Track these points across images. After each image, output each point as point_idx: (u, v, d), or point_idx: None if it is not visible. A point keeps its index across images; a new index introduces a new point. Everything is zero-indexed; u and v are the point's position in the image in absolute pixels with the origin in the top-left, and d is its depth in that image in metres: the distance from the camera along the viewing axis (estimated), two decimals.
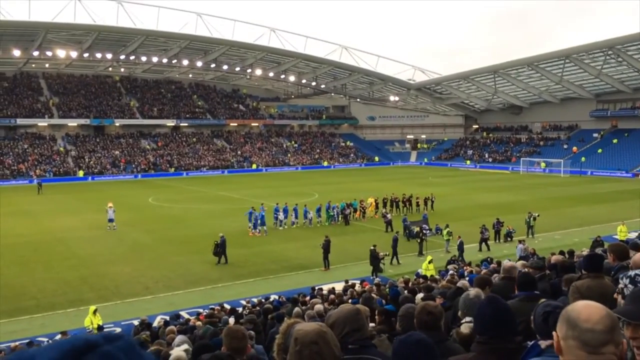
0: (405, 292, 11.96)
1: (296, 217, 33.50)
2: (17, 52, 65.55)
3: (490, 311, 2.97)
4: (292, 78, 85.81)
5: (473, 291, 7.16)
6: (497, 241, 28.87)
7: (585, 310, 1.81)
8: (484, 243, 27.24)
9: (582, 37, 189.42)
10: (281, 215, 32.77)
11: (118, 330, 16.16)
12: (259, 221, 31.11)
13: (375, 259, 22.60)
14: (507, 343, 2.87)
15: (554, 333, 1.86)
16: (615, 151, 71.44)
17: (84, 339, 0.84)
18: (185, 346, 8.54)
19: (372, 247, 23.15)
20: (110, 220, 32.51)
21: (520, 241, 24.49)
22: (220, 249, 24.62)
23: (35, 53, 66.99)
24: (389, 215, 32.81)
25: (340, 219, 34.41)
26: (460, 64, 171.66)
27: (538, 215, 30.26)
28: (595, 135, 77.73)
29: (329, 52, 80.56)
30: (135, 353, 0.87)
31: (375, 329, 6.23)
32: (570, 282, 5.15)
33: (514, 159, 78.44)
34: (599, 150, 73.22)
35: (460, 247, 24.73)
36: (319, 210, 34.42)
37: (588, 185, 54.61)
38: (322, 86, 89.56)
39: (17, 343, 14.22)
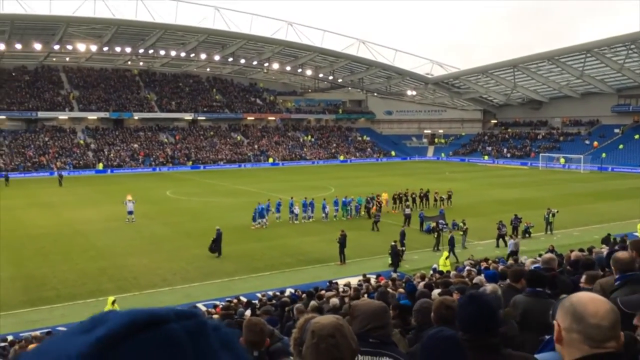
0: (422, 286, 11.95)
1: (312, 212, 33.52)
2: (38, 46, 66.44)
3: (471, 310, 2.98)
4: (309, 72, 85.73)
5: (489, 287, 7.13)
6: (516, 237, 28.56)
7: (592, 304, 1.82)
8: (501, 239, 27.02)
9: (601, 32, 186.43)
10: (296, 209, 32.85)
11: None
12: (257, 214, 31.28)
13: (396, 255, 22.53)
14: (490, 339, 2.88)
15: (555, 322, 1.86)
16: (636, 147, 70.25)
17: (151, 312, 0.77)
18: None
19: (393, 243, 23.12)
20: (130, 213, 32.84)
21: (511, 236, 24.41)
22: (216, 244, 24.70)
23: (56, 47, 67.85)
24: (408, 210, 32.86)
25: (362, 212, 34.66)
26: (478, 59, 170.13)
27: (557, 212, 29.94)
28: (616, 130, 76.53)
29: (346, 46, 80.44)
30: (204, 337, 0.79)
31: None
32: (592, 279, 5.12)
33: (532, 155, 77.59)
34: (620, 146, 72.08)
35: (451, 243, 24.38)
36: (336, 204, 34.47)
37: (608, 182, 53.84)
38: (339, 80, 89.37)
39: (37, 332, 14.48)
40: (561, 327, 1.83)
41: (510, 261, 17.74)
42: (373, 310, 3.12)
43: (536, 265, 9.61)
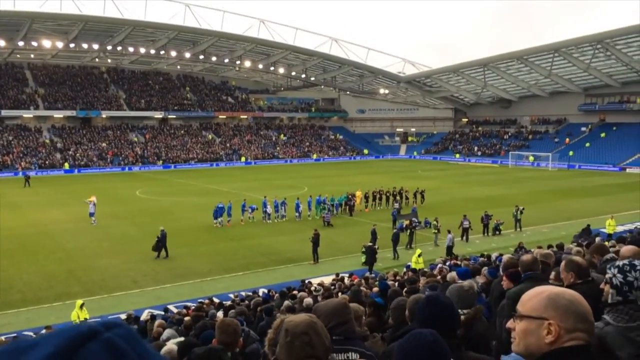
0: (396, 285, 11.93)
1: (285, 211, 33.33)
2: (1, 42, 64.57)
3: (430, 310, 2.99)
4: (281, 70, 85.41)
5: (466, 282, 7.09)
6: (486, 234, 28.97)
7: (582, 300, 1.77)
8: (465, 234, 27.77)
9: (577, 30, 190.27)
10: (269, 209, 32.64)
11: None
12: (216, 213, 31.11)
13: (372, 255, 22.48)
14: (449, 339, 2.87)
15: (550, 322, 1.71)
16: (603, 145, 71.99)
17: (88, 326, 0.83)
18: (177, 339, 8.44)
19: (369, 244, 23.16)
20: (90, 215, 31.93)
21: (448, 231, 25.13)
22: (161, 244, 24.32)
23: (21, 43, 66.04)
24: (397, 205, 34.48)
25: (340, 211, 34.98)
26: (453, 57, 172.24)
27: (524, 209, 30.44)
28: (583, 129, 78.29)
29: (318, 44, 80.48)
30: (136, 340, 0.86)
31: (365, 322, 6.15)
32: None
33: (502, 153, 78.84)
34: (587, 144, 73.76)
35: (373, 234, 25.20)
36: (309, 203, 34.37)
37: (576, 179, 55.00)
38: (312, 79, 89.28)
39: (2, 337, 14.00)
40: (563, 327, 1.71)
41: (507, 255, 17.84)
42: (333, 308, 3.14)
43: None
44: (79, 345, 0.78)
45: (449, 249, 24.05)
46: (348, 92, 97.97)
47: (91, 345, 0.79)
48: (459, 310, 4.52)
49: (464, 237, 27.82)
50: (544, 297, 1.76)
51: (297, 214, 33.27)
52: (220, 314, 12.53)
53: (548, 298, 1.75)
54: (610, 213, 29.08)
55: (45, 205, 39.20)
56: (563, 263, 4.56)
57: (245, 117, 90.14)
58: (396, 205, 34.92)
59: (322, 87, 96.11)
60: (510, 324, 1.85)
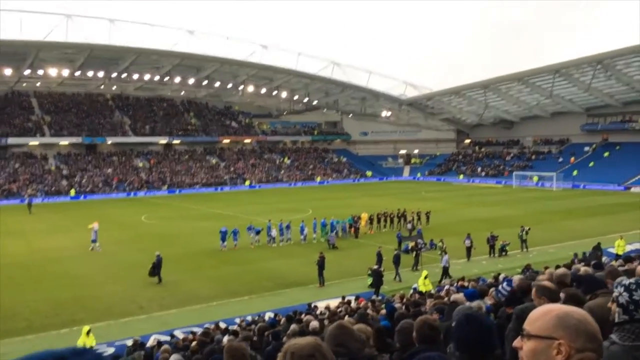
0: (403, 308, 11.89)
1: (289, 234, 33.29)
2: (8, 71, 65.48)
3: (469, 329, 2.96)
4: (284, 94, 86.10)
5: (475, 303, 7.09)
6: (492, 255, 28.85)
7: (591, 319, 1.77)
8: (468, 253, 28.05)
9: (578, 50, 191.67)
10: (274, 232, 32.63)
11: (111, 351, 15.92)
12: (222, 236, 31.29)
13: (379, 277, 22.39)
14: (488, 359, 2.87)
15: (560, 342, 1.70)
16: (607, 164, 71.89)
17: (52, 352, 0.80)
18: None
19: (375, 267, 23.10)
20: (93, 241, 31.89)
21: (444, 252, 25.43)
22: (156, 269, 24.28)
23: (27, 72, 66.95)
24: (409, 225, 35.13)
25: (348, 233, 35.04)
26: (454, 78, 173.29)
27: (529, 229, 30.32)
28: (586, 148, 78.32)
29: (320, 69, 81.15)
30: None
31: (371, 347, 6.16)
32: (574, 298, 5.15)
33: (506, 173, 78.79)
34: (591, 164, 73.69)
35: (379, 257, 24.93)
36: (314, 226, 34.36)
37: (581, 199, 54.85)
38: (315, 102, 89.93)
39: None
40: (573, 347, 1.70)
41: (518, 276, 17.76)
42: (328, 333, 3.18)
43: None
44: None
45: (445, 270, 24.14)
46: (350, 115, 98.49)
47: None
48: None
49: (468, 257, 27.97)
50: (553, 316, 1.74)
51: (302, 237, 33.24)
52: (225, 339, 12.49)
53: (557, 317, 1.74)
54: (617, 232, 28.95)
55: (51, 231, 39.29)
56: (534, 289, 4.59)
57: (249, 141, 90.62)
58: (409, 226, 35.17)
59: (325, 110, 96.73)
60: (517, 343, 1.83)
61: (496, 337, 3.06)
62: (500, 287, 10.86)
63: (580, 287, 5.43)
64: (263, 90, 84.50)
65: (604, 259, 16.28)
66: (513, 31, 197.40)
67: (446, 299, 12.93)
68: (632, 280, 2.58)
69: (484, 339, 2.90)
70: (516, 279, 10.60)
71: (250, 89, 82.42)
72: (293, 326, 11.60)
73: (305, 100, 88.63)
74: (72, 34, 62.33)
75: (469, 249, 28.19)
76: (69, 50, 64.54)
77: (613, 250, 24.47)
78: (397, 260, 24.79)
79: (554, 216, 42.30)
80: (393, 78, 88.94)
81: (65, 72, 68.40)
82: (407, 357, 4.08)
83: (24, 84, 77.86)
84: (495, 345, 3.00)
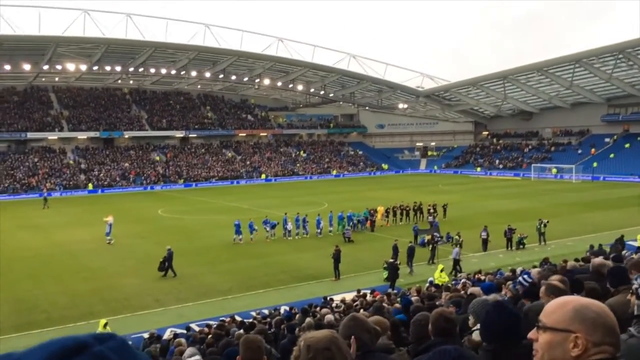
0: (419, 301, 11.78)
1: (306, 228, 33.29)
2: (27, 66, 66.21)
3: (498, 318, 2.93)
4: (300, 87, 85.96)
5: (491, 297, 6.96)
6: (510, 248, 28.57)
7: (610, 312, 1.73)
8: (484, 245, 28.21)
9: (598, 40, 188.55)
10: (289, 226, 32.64)
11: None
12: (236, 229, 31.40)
13: (394, 271, 22.28)
14: (516, 349, 2.80)
15: (577, 335, 1.66)
16: (627, 156, 70.72)
17: (74, 338, 0.78)
18: (197, 357, 8.43)
19: (391, 260, 22.99)
20: (107, 234, 32.15)
21: (454, 244, 25.37)
22: (167, 263, 24.34)
23: (46, 67, 67.64)
24: (431, 218, 34.93)
25: (362, 226, 34.82)
26: (472, 69, 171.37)
27: (548, 222, 29.92)
28: (607, 140, 77.07)
29: (337, 61, 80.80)
30: (128, 353, 0.80)
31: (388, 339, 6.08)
32: (593, 292, 5.00)
33: (524, 165, 77.91)
34: (611, 155, 72.54)
35: (395, 250, 24.76)
36: (331, 219, 34.29)
37: (601, 191, 54.04)
38: (331, 95, 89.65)
39: None
40: (591, 341, 1.65)
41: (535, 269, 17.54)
42: (342, 325, 3.15)
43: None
44: None
45: (456, 262, 24.01)
46: (367, 108, 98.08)
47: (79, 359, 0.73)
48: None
49: (485, 249, 28.11)
50: (570, 308, 1.71)
51: (318, 231, 33.21)
52: (241, 332, 12.49)
53: (574, 310, 1.70)
54: (638, 225, 28.45)
55: (70, 225, 39.77)
56: (543, 287, 4.53)
57: (265, 134, 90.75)
58: (430, 218, 35.04)
59: (341, 103, 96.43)
60: (532, 334, 1.79)
61: (521, 328, 3.00)
62: (519, 278, 10.70)
63: (605, 280, 5.28)
64: (279, 84, 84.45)
65: (624, 252, 15.96)
66: (533, 21, 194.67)
67: (463, 292, 12.79)
68: None
69: (512, 328, 2.88)
70: (534, 272, 10.42)
71: (266, 82, 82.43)
72: (308, 319, 11.55)
73: (322, 93, 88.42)
74: (89, 28, 63.05)
75: (485, 241, 28.18)
76: (87, 45, 65.08)
77: (635, 244, 23.99)
78: (411, 253, 24.65)
79: (573, 209, 41.73)
80: (410, 70, 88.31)
81: (83, 67, 69.01)
82: (422, 349, 4.02)
83: (43, 79, 78.80)
84: (521, 336, 2.94)
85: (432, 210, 37.08)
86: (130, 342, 0.75)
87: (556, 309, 1.75)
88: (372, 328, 3.44)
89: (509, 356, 2.78)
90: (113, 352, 0.78)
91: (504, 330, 2.83)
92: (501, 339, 2.86)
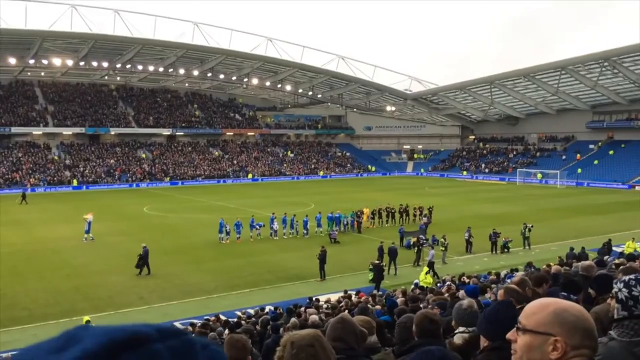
0: (404, 303, 11.81)
1: (292, 228, 33.29)
2: (12, 60, 65.44)
3: (503, 315, 2.95)
4: (288, 87, 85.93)
5: (466, 301, 6.99)
6: (494, 252, 28.76)
7: (587, 315, 1.74)
8: (468, 246, 28.72)
9: (587, 46, 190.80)
10: (275, 225, 32.59)
11: None
12: (227, 228, 31.46)
13: (380, 272, 22.32)
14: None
15: (557, 338, 1.66)
16: (611, 162, 71.64)
17: (133, 330, 0.69)
18: None
19: (377, 261, 23.07)
20: (86, 232, 31.78)
21: (431, 247, 25.59)
22: (142, 261, 24.23)
23: (31, 61, 66.90)
24: (425, 220, 34.90)
25: (349, 228, 34.94)
26: (460, 73, 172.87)
27: (532, 226, 30.19)
28: (591, 146, 78.00)
29: (325, 62, 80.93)
30: (189, 358, 0.70)
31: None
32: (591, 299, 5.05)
33: (510, 170, 78.57)
34: (595, 162, 73.42)
35: (380, 251, 25.00)
36: (318, 220, 34.29)
37: (585, 197, 54.65)
38: (319, 96, 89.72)
39: (8, 354, 13.94)
40: (569, 345, 1.66)
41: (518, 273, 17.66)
42: (329, 327, 3.21)
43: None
44: (106, 357, 0.66)
45: (431, 265, 23.95)
46: (355, 109, 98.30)
47: (123, 358, 0.66)
48: (462, 329, 4.48)
49: (469, 250, 28.56)
50: (550, 311, 1.71)
51: (304, 231, 33.20)
52: (226, 332, 12.44)
53: (554, 313, 1.70)
54: (621, 231, 28.86)
55: (53, 221, 39.34)
56: (501, 291, 4.59)
57: (253, 134, 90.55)
58: (424, 219, 35.16)
59: (329, 104, 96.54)
60: (511, 335, 1.80)
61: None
62: (505, 281, 10.77)
63: (592, 287, 5.31)
64: (267, 83, 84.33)
65: (606, 257, 16.13)
66: (520, 26, 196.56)
67: (447, 294, 12.86)
68: (631, 276, 2.56)
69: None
70: (518, 275, 10.50)
71: (255, 81, 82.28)
72: (293, 319, 11.54)
73: (310, 93, 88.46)
74: (77, 24, 62.47)
75: (468, 242, 28.61)
76: (74, 40, 64.43)
77: (619, 250, 24.25)
78: (392, 254, 24.74)
79: (557, 214, 42.14)
80: (398, 73, 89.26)
81: (70, 62, 68.29)
82: (406, 349, 4.03)
83: (29, 74, 77.87)
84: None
85: (426, 213, 37.34)
86: (204, 342, 0.76)
87: (536, 311, 1.75)
88: (360, 330, 3.45)
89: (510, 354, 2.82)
90: (173, 354, 0.68)
91: (509, 327, 2.88)
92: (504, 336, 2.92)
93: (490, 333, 3.04)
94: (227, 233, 31.43)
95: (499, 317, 3.04)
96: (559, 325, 1.68)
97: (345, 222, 34.87)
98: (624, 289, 2.48)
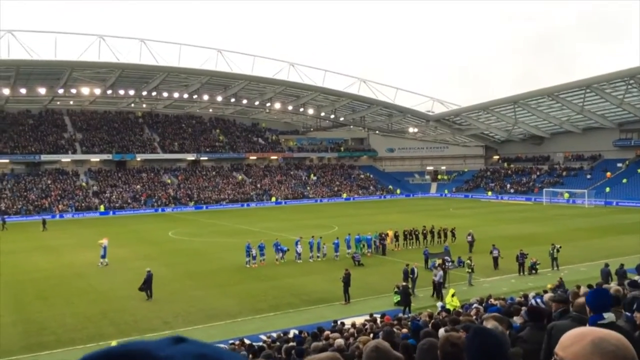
0: (430, 326, 11.64)
1: (319, 251, 33.17)
2: (42, 90, 67.33)
3: (477, 343, 2.86)
4: (311, 111, 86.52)
5: (489, 323, 6.88)
6: (522, 273, 28.22)
7: (631, 347, 1.63)
8: (495, 263, 28.82)
9: (612, 63, 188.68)
10: (299, 248, 32.53)
11: None
12: (253, 252, 31.51)
13: (406, 296, 22.06)
14: None
15: None
16: None
17: (137, 349, 0.67)
18: None
19: (403, 284, 22.82)
20: (102, 257, 32.17)
21: (437, 267, 25.38)
22: (145, 285, 24.37)
23: (61, 91, 68.72)
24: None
25: (373, 249, 34.78)
26: (482, 92, 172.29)
27: (560, 247, 29.57)
28: (619, 164, 76.50)
29: (347, 85, 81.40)
30: None
31: None
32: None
33: (536, 190, 77.40)
34: (624, 180, 71.91)
35: (405, 274, 24.61)
36: (347, 242, 34.18)
37: (614, 216, 53.45)
38: (341, 119, 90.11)
39: None
40: None
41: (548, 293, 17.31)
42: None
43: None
44: None
45: (439, 285, 23.67)
46: (377, 132, 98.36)
47: None
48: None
49: (495, 266, 28.55)
50: (588, 341, 1.62)
51: (335, 254, 33.08)
52: (250, 357, 12.39)
53: (592, 343, 1.61)
54: None
55: (80, 247, 39.90)
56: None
57: (276, 157, 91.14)
58: (454, 241, 35.20)
59: (351, 127, 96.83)
60: None
61: (506, 351, 2.93)
62: (531, 301, 10.55)
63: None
64: (290, 108, 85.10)
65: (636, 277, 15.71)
66: (542, 44, 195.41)
67: (474, 317, 12.62)
68: None
69: (492, 353, 2.80)
70: (547, 297, 10.28)
71: (277, 106, 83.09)
72: (316, 343, 11.45)
73: (332, 117, 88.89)
74: (104, 53, 64.10)
75: (495, 259, 28.52)
76: (102, 70, 66.15)
77: None
78: (406, 276, 24.46)
79: (586, 234, 41.27)
80: (420, 94, 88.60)
81: (98, 91, 70.08)
82: None
83: (58, 103, 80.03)
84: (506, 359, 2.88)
85: (443, 235, 37.08)
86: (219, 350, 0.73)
87: (574, 342, 1.67)
88: (396, 358, 3.36)
89: None
90: None
91: (484, 356, 2.79)
92: None
93: None
94: (254, 257, 31.48)
95: (475, 345, 2.99)
96: (599, 355, 1.59)
97: (372, 244, 34.86)
98: None
